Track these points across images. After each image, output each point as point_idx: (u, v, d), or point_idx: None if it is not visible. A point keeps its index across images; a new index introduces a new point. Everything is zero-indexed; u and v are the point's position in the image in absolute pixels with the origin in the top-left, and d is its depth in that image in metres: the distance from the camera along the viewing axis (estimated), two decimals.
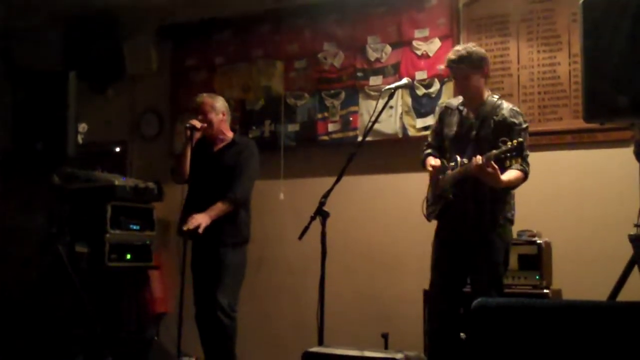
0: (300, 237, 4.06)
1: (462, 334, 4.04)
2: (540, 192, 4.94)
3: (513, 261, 4.25)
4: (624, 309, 2.48)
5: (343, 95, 5.95)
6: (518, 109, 4.16)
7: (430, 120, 5.47)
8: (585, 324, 2.46)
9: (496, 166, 3.75)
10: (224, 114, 4.97)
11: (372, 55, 5.85)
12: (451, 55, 4.17)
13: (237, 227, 4.83)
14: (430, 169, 4.17)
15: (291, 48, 6.21)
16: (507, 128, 4.00)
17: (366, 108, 5.79)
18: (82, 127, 5.06)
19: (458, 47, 4.22)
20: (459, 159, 4.04)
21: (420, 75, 5.62)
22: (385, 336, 4.59)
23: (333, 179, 4.13)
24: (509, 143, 3.73)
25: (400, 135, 5.64)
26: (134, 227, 6.09)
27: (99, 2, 6.59)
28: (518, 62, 5.36)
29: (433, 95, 5.54)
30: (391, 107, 5.55)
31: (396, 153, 5.57)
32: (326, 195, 4.09)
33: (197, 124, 4.80)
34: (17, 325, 5.79)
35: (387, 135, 5.66)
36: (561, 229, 4.93)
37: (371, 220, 5.77)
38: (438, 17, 5.63)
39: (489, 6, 5.47)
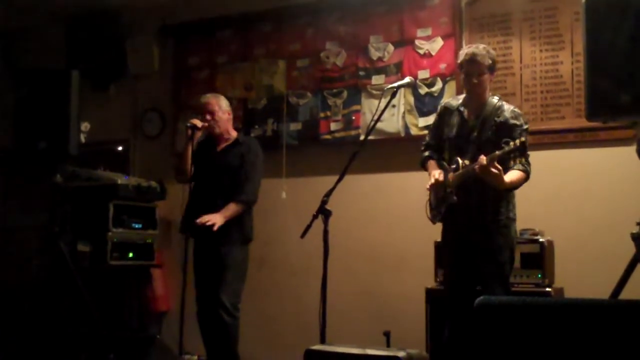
0: (303, 236, 4.06)
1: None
2: (543, 191, 4.94)
3: (515, 260, 4.25)
4: (626, 308, 2.48)
5: (345, 94, 5.95)
6: (519, 111, 4.17)
7: (432, 119, 5.47)
8: (587, 322, 2.46)
9: (500, 167, 3.76)
10: (229, 113, 4.99)
11: (375, 54, 5.85)
12: (473, 49, 4.12)
13: (240, 225, 4.85)
14: (432, 181, 4.17)
15: (293, 47, 6.22)
16: (508, 129, 4.01)
17: (368, 107, 5.79)
18: (85, 125, 5.08)
19: (476, 46, 4.19)
20: (460, 160, 4.04)
21: (423, 74, 5.62)
22: (387, 334, 4.60)
23: (335, 178, 4.13)
24: (512, 143, 3.74)
25: (402, 134, 5.64)
26: (136, 226, 6.10)
27: (101, 1, 6.59)
28: (520, 61, 5.35)
29: (435, 94, 5.54)
30: (393, 106, 5.55)
31: (398, 152, 5.57)
32: (328, 194, 4.09)
33: (198, 123, 4.81)
34: (20, 324, 5.79)
35: (389, 134, 5.66)
36: (563, 228, 4.93)
37: (373, 219, 5.77)
38: (440, 16, 5.63)
39: (492, 5, 5.47)
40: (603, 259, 4.73)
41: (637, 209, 3.78)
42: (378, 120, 4.41)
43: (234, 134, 5.04)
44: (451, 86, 5.48)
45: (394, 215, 5.66)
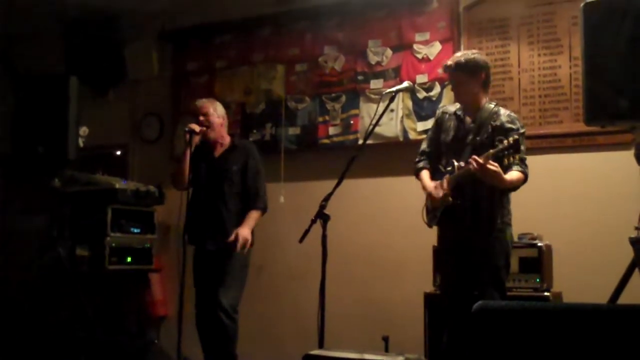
0: (301, 240, 4.06)
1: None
2: (541, 195, 4.94)
3: (514, 264, 4.26)
4: (624, 312, 2.48)
5: (344, 98, 5.95)
6: (515, 115, 4.18)
7: (431, 124, 5.45)
8: (585, 327, 2.45)
9: (496, 164, 3.77)
10: (224, 118, 5.00)
11: (373, 58, 5.86)
12: (448, 61, 4.25)
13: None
14: (427, 193, 4.21)
15: (292, 52, 6.22)
16: (504, 133, 4.02)
17: (367, 111, 5.80)
18: (83, 130, 5.07)
19: (457, 54, 4.28)
20: (455, 163, 4.06)
21: (421, 78, 5.63)
22: (385, 339, 4.59)
23: (334, 182, 4.13)
24: (505, 141, 3.78)
25: (401, 139, 5.65)
26: (135, 230, 6.09)
27: (101, 5, 6.60)
28: (519, 66, 5.36)
29: (434, 99, 5.55)
30: (392, 111, 5.55)
31: (397, 156, 5.57)
32: (327, 199, 4.09)
33: (196, 127, 4.81)
34: (18, 328, 5.79)
35: (387, 139, 5.66)
36: (562, 232, 4.93)
37: (372, 223, 5.77)
38: (439, 20, 5.63)
39: (490, 10, 5.48)
40: (601, 264, 4.72)
41: (635, 213, 3.78)
42: (376, 124, 4.41)
43: (228, 138, 5.05)
44: (449, 90, 5.45)
45: (392, 220, 5.66)
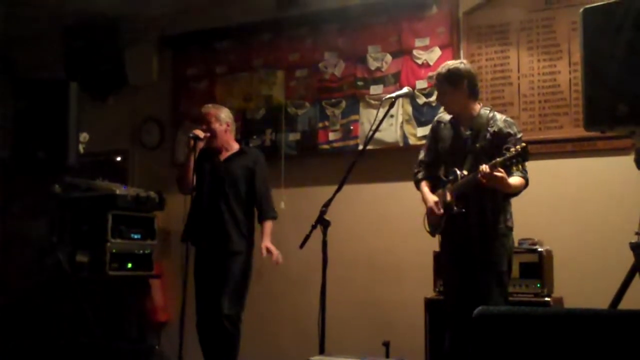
0: (302, 246, 4.07)
1: None
2: (541, 201, 4.94)
3: (514, 269, 4.26)
4: (625, 317, 2.48)
5: (344, 104, 5.96)
6: (511, 120, 4.19)
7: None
8: (586, 332, 2.45)
9: (503, 171, 3.78)
10: (228, 125, 4.99)
11: (373, 64, 5.86)
12: (432, 73, 4.28)
13: (244, 233, 4.86)
14: (427, 207, 4.21)
15: (292, 57, 6.23)
16: (502, 138, 4.04)
17: (367, 117, 5.80)
18: (84, 136, 5.08)
19: (442, 64, 4.28)
20: (458, 171, 4.06)
21: (421, 84, 5.63)
22: (386, 344, 4.58)
23: (334, 188, 4.13)
24: (512, 149, 3.76)
25: (401, 144, 5.65)
26: (135, 236, 6.09)
27: (101, 11, 6.60)
28: (518, 71, 5.36)
29: (434, 104, 5.54)
30: (392, 116, 5.56)
31: (397, 162, 5.57)
32: (327, 204, 4.09)
33: (200, 133, 4.82)
34: (18, 333, 5.78)
35: (387, 144, 5.67)
36: (562, 237, 4.93)
37: (372, 229, 5.77)
38: (438, 26, 5.64)
39: (489, 15, 5.48)
40: (602, 269, 4.72)
41: (635, 218, 3.78)
42: (376, 130, 4.42)
43: (235, 145, 5.05)
44: None
45: (392, 225, 5.66)
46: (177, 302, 4.73)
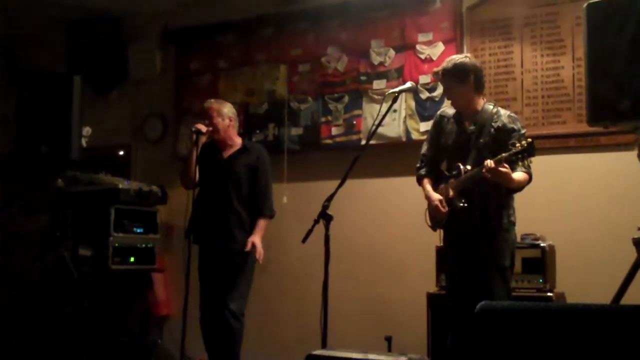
0: (304, 241, 4.07)
1: None
2: (544, 196, 4.94)
3: (517, 264, 4.25)
4: (627, 313, 2.48)
5: (347, 99, 5.95)
6: (515, 115, 4.19)
7: None
8: (588, 327, 2.45)
9: (507, 166, 3.79)
10: (230, 120, 4.98)
11: (376, 59, 5.86)
12: (437, 68, 4.25)
13: (247, 231, 4.86)
14: (433, 205, 4.19)
15: (295, 52, 6.22)
16: (506, 134, 4.04)
17: (370, 112, 5.80)
18: (86, 130, 5.08)
19: (447, 59, 4.27)
20: (461, 166, 4.06)
21: (424, 79, 5.62)
22: (388, 339, 4.60)
23: (336, 183, 4.13)
24: (518, 145, 3.76)
25: (403, 139, 5.64)
26: (138, 230, 6.10)
27: (104, 6, 6.60)
28: (522, 66, 5.35)
29: (437, 99, 5.54)
30: (395, 111, 5.55)
31: (400, 156, 5.57)
32: (330, 199, 4.09)
33: (203, 128, 4.82)
34: (21, 328, 5.79)
35: (390, 139, 5.66)
36: (565, 233, 4.93)
37: (374, 224, 5.77)
38: (441, 21, 5.63)
39: (493, 10, 5.47)
40: (604, 264, 4.72)
41: (638, 213, 3.79)
42: (379, 125, 4.42)
43: (238, 140, 5.05)
44: None
45: (395, 220, 5.66)
46: (179, 296, 4.73)
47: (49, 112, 4.86)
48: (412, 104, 5.64)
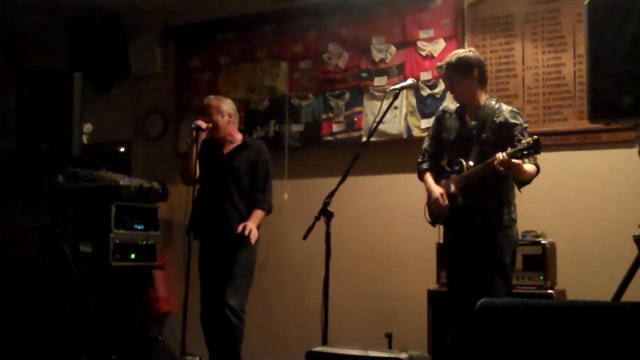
0: (305, 237, 4.06)
1: None
2: (545, 193, 4.94)
3: (517, 261, 4.25)
4: (628, 310, 2.48)
5: (347, 95, 5.95)
6: (517, 110, 4.17)
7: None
8: (589, 324, 2.45)
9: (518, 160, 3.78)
10: (230, 116, 4.98)
11: (377, 55, 5.85)
12: (440, 62, 4.25)
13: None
14: (433, 199, 4.18)
15: (296, 48, 6.22)
16: (508, 129, 4.02)
17: (371, 109, 5.80)
18: (87, 127, 5.07)
19: (451, 53, 4.26)
20: (463, 162, 4.04)
21: (425, 75, 5.62)
22: (389, 336, 4.59)
23: (337, 180, 4.13)
24: (524, 142, 3.75)
25: (404, 136, 5.64)
26: (139, 227, 6.11)
27: (104, 2, 6.60)
28: (523, 63, 5.35)
29: (438, 96, 5.54)
30: (396, 108, 5.55)
31: (401, 153, 5.57)
32: (330, 196, 4.09)
33: (203, 124, 4.82)
34: (21, 325, 5.80)
35: (391, 136, 5.66)
36: (565, 230, 4.93)
37: (375, 221, 5.77)
38: (442, 17, 5.63)
39: (494, 7, 5.47)
40: (605, 261, 4.72)
41: (639, 210, 3.78)
42: (380, 121, 4.41)
43: (238, 136, 5.04)
44: None
45: (396, 217, 5.66)
46: (180, 292, 4.73)
47: (50, 109, 4.85)
48: (413, 100, 5.64)
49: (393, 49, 5.80)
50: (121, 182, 5.93)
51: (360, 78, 5.91)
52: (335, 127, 5.96)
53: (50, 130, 4.84)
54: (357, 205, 5.70)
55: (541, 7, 5.30)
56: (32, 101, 4.91)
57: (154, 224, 6.26)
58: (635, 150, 3.86)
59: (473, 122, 4.14)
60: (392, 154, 5.65)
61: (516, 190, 4.09)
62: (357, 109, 5.89)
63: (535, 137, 3.75)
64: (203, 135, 4.85)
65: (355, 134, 5.85)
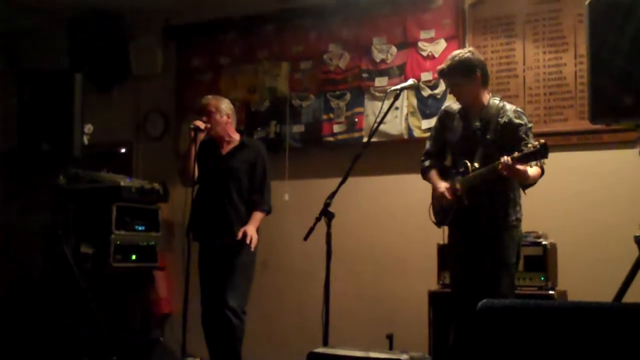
0: (306, 238, 4.06)
1: None
2: (546, 193, 4.91)
3: (519, 262, 4.24)
4: (629, 311, 2.47)
5: (348, 96, 5.95)
6: (521, 110, 4.15)
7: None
8: (590, 325, 2.45)
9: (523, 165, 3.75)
10: (228, 116, 4.97)
11: (378, 56, 5.85)
12: (442, 65, 4.20)
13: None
14: (439, 193, 4.14)
15: (296, 49, 6.22)
16: (513, 129, 4.00)
17: (371, 109, 5.79)
18: (88, 127, 5.07)
19: (452, 55, 4.21)
20: (469, 163, 4.02)
21: (426, 76, 5.62)
22: (390, 337, 4.59)
23: (338, 180, 4.12)
24: (530, 145, 3.69)
25: (405, 136, 5.64)
26: (139, 228, 6.10)
27: (105, 2, 6.60)
28: (524, 63, 5.35)
29: (439, 97, 5.54)
30: (397, 108, 5.54)
31: (401, 154, 5.56)
32: (331, 196, 4.08)
33: (201, 124, 4.81)
34: (22, 326, 5.80)
35: (392, 136, 5.66)
36: (567, 230, 4.92)
37: (376, 222, 5.76)
38: (443, 18, 5.62)
39: (495, 7, 5.46)
40: (606, 262, 4.72)
41: None
42: (381, 122, 4.40)
43: (236, 136, 5.03)
44: None
45: (397, 218, 5.66)
46: (181, 293, 4.72)
47: (51, 109, 4.85)
48: (414, 101, 5.63)
49: (394, 49, 5.80)
50: (122, 183, 5.92)
51: (361, 78, 5.90)
52: (336, 128, 5.96)
53: (51, 131, 4.84)
54: (358, 206, 5.70)
55: (542, 7, 5.30)
56: (32, 102, 4.92)
57: (155, 225, 6.25)
58: (636, 150, 3.86)
59: (477, 123, 4.11)
60: (393, 154, 5.65)
61: (521, 190, 4.08)
62: (358, 109, 5.89)
63: (542, 141, 3.69)
64: (202, 136, 4.84)
65: (356, 134, 5.85)
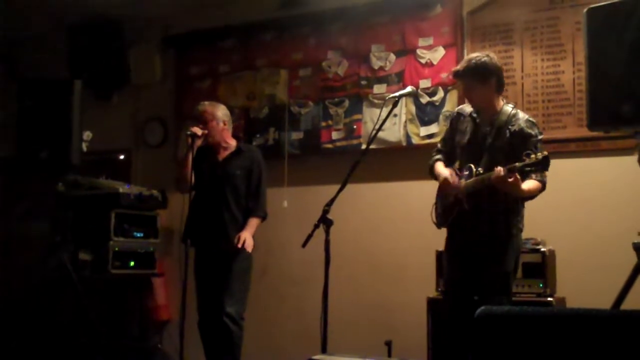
0: (304, 245, 4.05)
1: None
2: (545, 200, 4.89)
3: (517, 269, 4.24)
4: (628, 318, 2.47)
5: (347, 103, 5.96)
6: (533, 120, 4.09)
7: (434, 129, 5.49)
8: (589, 332, 2.45)
9: (518, 177, 3.72)
10: (225, 123, 4.97)
11: (376, 63, 5.86)
12: (458, 66, 4.18)
13: None
14: (442, 179, 4.14)
15: (295, 56, 6.23)
16: (522, 139, 3.96)
17: (370, 116, 5.80)
18: (87, 134, 5.08)
19: (469, 57, 4.18)
20: (473, 167, 4.01)
21: (424, 83, 5.62)
22: (388, 344, 4.59)
23: (337, 187, 4.12)
24: (533, 156, 3.67)
25: (404, 144, 5.64)
26: (138, 235, 6.10)
27: (104, 10, 6.61)
28: (522, 71, 5.36)
29: (437, 104, 5.55)
30: (395, 115, 5.55)
31: (400, 161, 5.57)
32: (330, 203, 4.08)
33: (198, 131, 4.81)
34: (21, 332, 5.79)
35: (391, 144, 5.66)
36: (565, 237, 4.92)
37: (375, 228, 5.76)
38: (442, 25, 5.63)
39: (493, 14, 5.48)
40: (605, 269, 4.72)
41: (638, 218, 3.78)
42: (379, 129, 4.41)
43: (233, 142, 5.04)
44: (453, 95, 5.49)
45: (395, 225, 5.66)
46: (179, 300, 4.72)
47: (50, 117, 4.86)
48: (413, 108, 5.64)
49: (392, 56, 5.81)
50: (121, 190, 5.92)
51: (359, 86, 5.91)
52: (334, 135, 5.97)
53: (50, 138, 4.84)
54: (357, 212, 5.70)
55: (540, 15, 5.31)
56: (32, 109, 4.92)
57: (154, 232, 6.25)
58: (634, 157, 3.86)
59: (487, 128, 4.08)
60: (392, 161, 5.65)
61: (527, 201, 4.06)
62: (357, 116, 5.89)
63: (545, 152, 3.67)
64: (199, 142, 4.84)
65: (355, 141, 5.86)
